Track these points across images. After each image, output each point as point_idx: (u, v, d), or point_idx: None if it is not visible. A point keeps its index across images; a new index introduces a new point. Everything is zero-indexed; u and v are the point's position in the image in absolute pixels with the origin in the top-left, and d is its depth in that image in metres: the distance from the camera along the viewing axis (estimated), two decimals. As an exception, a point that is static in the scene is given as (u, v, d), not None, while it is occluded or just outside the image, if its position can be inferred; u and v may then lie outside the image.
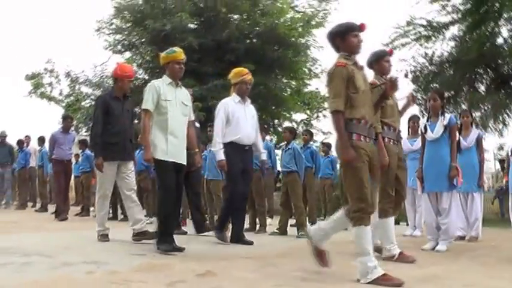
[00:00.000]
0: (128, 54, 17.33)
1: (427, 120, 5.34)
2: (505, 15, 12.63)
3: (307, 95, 20.67)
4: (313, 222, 8.11)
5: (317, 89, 20.29)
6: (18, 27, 51.97)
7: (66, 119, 9.22)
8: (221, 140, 5.34)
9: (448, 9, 13.09)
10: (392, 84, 3.79)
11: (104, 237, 5.22)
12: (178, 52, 4.77)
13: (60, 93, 19.68)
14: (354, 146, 3.31)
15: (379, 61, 4.56)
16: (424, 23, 13.37)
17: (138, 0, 15.47)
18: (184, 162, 4.68)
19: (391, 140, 4.45)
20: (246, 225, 6.32)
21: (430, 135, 5.19)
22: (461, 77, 14.27)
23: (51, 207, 10.30)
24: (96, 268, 3.44)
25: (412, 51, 13.90)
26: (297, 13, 21.44)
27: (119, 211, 8.89)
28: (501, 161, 12.69)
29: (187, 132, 4.78)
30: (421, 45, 13.81)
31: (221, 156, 5.28)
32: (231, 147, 5.33)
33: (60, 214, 8.46)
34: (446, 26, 13.39)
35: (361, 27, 3.55)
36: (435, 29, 13.39)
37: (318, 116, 21.09)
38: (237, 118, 5.40)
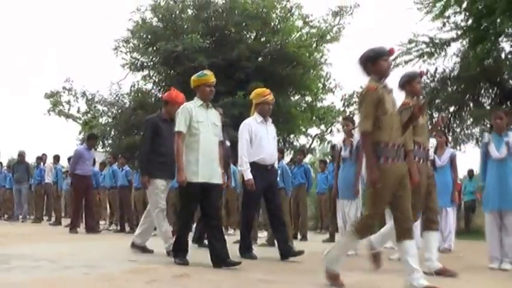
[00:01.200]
0: (145, 71, 18.16)
1: None
2: (507, 31, 13.10)
3: (321, 110, 21.43)
4: (304, 235, 8.80)
5: (332, 103, 21.00)
6: (39, 48, 54.18)
7: (93, 138, 10.09)
8: (247, 160, 5.49)
9: (449, 26, 13.66)
10: (420, 108, 4.03)
11: (169, 253, 5.24)
12: (209, 75, 5.01)
13: (78, 111, 20.70)
14: (381, 169, 3.64)
15: (411, 82, 4.83)
16: (427, 40, 13.94)
17: (151, 22, 16.42)
18: (218, 181, 4.90)
19: (421, 159, 4.74)
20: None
21: None
22: (465, 92, 14.82)
23: (65, 221, 11.19)
24: (92, 271, 4.18)
25: (416, 68, 14.42)
26: (312, 28, 22.36)
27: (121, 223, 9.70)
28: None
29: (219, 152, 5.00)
30: (424, 61, 14.37)
31: (249, 175, 5.46)
32: (253, 167, 5.49)
33: (74, 227, 9.01)
34: (448, 42, 13.94)
35: (390, 52, 3.91)
36: (437, 46, 13.95)
37: (331, 131, 21.76)
38: (260, 138, 5.57)
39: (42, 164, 13.09)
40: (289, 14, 18.26)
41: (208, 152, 4.81)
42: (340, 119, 16.63)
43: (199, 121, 4.83)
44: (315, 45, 21.90)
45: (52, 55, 51.59)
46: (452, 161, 7.01)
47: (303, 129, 20.71)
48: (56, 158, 12.65)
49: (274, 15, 17.01)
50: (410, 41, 13.71)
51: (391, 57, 3.94)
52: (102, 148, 18.50)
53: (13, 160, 13.16)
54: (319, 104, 21.39)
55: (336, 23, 24.15)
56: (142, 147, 5.76)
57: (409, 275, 3.66)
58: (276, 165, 5.98)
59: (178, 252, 4.83)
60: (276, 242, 5.79)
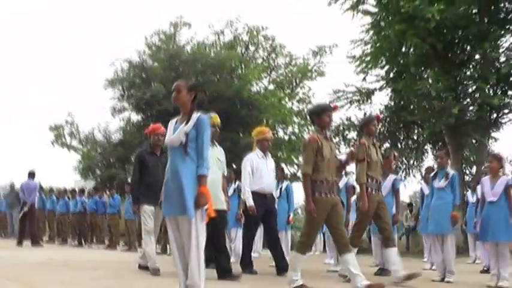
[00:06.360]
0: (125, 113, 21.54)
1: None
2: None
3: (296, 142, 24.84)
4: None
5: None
6: (43, 82, 59.12)
7: (33, 174, 13.01)
8: (249, 189, 6.56)
9: (372, 78, 16.77)
10: (351, 155, 5.35)
11: (155, 271, 6.16)
12: (214, 117, 5.93)
13: (80, 142, 24.18)
14: (316, 201, 4.79)
15: (368, 125, 6.01)
16: (354, 89, 17.03)
17: (126, 72, 20.07)
18: (221, 207, 5.88)
19: (373, 189, 5.83)
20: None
21: None
22: (395, 132, 17.91)
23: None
24: (18, 261, 7.61)
25: (349, 112, 17.43)
26: (294, 66, 26.02)
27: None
28: (409, 205, 16.35)
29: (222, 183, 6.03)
30: (356, 107, 17.40)
31: (251, 202, 6.53)
32: (254, 195, 6.55)
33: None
34: (373, 91, 17.00)
35: (334, 109, 5.10)
36: (364, 95, 17.02)
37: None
38: (260, 170, 6.60)
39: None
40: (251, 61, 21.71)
41: (213, 183, 5.57)
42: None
43: None
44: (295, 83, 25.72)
45: (54, 88, 56.36)
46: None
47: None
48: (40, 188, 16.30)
49: (234, 64, 20.29)
50: (335, 92, 16.84)
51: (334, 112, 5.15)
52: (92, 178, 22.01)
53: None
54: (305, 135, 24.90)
55: (315, 61, 27.92)
56: (132, 177, 6.83)
57: (353, 279, 4.85)
58: (274, 193, 7.22)
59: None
60: (273, 259, 6.88)
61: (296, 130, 26.61)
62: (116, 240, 12.77)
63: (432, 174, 7.02)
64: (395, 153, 7.59)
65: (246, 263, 6.77)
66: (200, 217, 4.00)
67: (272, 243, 6.86)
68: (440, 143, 16.57)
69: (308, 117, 5.39)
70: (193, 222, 3.94)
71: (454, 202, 6.57)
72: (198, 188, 3.96)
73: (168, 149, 4.20)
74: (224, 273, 5.80)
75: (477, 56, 14.85)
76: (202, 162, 4.02)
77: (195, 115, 4.14)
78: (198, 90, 4.32)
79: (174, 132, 4.13)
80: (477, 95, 14.50)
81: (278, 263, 6.67)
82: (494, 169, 6.38)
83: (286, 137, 25.66)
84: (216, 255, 5.91)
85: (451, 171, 6.76)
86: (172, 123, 4.29)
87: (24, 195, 12.58)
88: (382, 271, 7.14)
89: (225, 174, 6.28)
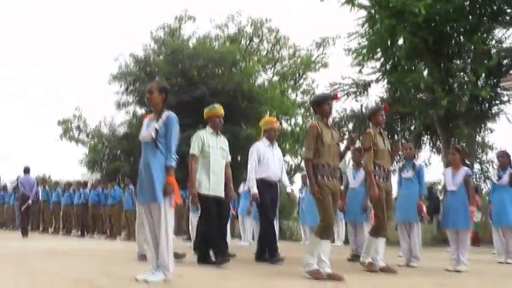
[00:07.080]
0: (129, 107, 22.11)
1: None
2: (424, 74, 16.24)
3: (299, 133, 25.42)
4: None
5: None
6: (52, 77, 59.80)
7: (29, 170, 13.79)
8: (254, 177, 6.73)
9: (368, 70, 17.17)
10: (352, 140, 5.47)
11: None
12: (218, 108, 6.31)
13: (88, 136, 24.81)
14: (320, 184, 4.99)
15: (375, 115, 6.06)
16: (350, 81, 17.45)
17: (130, 66, 20.68)
18: (223, 195, 6.23)
19: (381, 178, 5.89)
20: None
21: None
22: (391, 124, 18.26)
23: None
24: (21, 250, 8.27)
25: (345, 104, 17.89)
26: (297, 58, 26.41)
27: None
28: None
29: (226, 171, 6.37)
30: (353, 99, 17.84)
31: (255, 190, 6.71)
32: (261, 183, 6.71)
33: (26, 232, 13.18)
34: (369, 83, 17.40)
35: (334, 97, 5.41)
36: (360, 87, 17.42)
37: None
38: (267, 159, 6.77)
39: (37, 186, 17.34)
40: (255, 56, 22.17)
41: (217, 171, 6.16)
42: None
43: (210, 146, 6.16)
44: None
45: (63, 83, 57.23)
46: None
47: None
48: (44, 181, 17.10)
49: (237, 58, 20.74)
50: (331, 84, 17.29)
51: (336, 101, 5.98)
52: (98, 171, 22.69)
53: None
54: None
55: (319, 53, 28.35)
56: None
57: (318, 263, 5.06)
58: (288, 183, 7.37)
59: (201, 252, 6.35)
60: (257, 246, 7.05)
61: (300, 121, 27.25)
62: (117, 230, 13.50)
63: (400, 165, 7.45)
64: (403, 141, 7.93)
65: (262, 251, 6.87)
66: (169, 204, 4.61)
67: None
68: (435, 135, 16.94)
69: (311, 106, 5.55)
70: (162, 208, 4.55)
71: (420, 192, 7.07)
72: (166, 178, 4.55)
73: (142, 144, 4.78)
74: (221, 255, 6.08)
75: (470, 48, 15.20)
76: (170, 155, 4.63)
77: (165, 113, 4.75)
78: (168, 92, 4.90)
79: (147, 129, 4.73)
80: (469, 87, 14.81)
81: (257, 252, 6.96)
82: (456, 160, 6.81)
83: (290, 128, 26.30)
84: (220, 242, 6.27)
85: (417, 163, 7.30)
86: (146, 120, 4.89)
87: (25, 189, 13.23)
88: (354, 257, 7.53)
89: (229, 162, 6.53)
